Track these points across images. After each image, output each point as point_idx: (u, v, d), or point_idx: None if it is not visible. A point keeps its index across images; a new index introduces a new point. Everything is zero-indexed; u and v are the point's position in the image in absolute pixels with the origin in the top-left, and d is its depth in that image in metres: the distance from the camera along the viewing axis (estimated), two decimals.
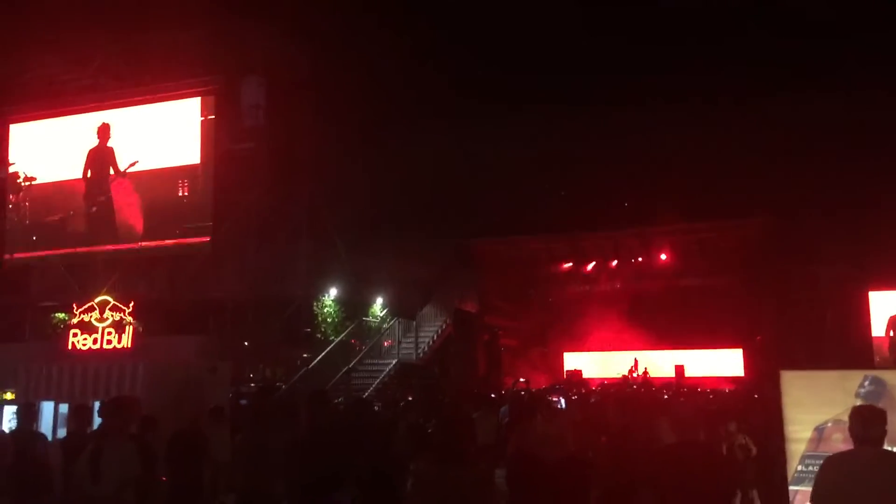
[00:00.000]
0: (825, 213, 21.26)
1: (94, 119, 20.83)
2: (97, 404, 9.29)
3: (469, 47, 27.05)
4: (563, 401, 13.82)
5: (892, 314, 13.00)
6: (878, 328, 15.84)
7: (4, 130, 21.35)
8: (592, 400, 14.44)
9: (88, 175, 21.12)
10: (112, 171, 20.71)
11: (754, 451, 9.06)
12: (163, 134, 20.23)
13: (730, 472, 5.74)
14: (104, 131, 20.84)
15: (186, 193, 19.90)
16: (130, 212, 20.69)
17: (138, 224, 20.45)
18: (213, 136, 19.54)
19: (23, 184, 21.71)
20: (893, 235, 18.72)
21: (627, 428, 7.50)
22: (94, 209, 21.14)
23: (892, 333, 12.50)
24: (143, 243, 20.28)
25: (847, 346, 16.87)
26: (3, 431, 11.18)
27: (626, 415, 8.32)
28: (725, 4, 25.06)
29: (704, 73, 25.38)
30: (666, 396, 16.96)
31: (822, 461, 6.45)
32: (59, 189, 21.54)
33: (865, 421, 5.03)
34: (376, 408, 13.10)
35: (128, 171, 20.35)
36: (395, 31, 23.57)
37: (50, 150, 21.76)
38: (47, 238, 21.61)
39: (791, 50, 24.28)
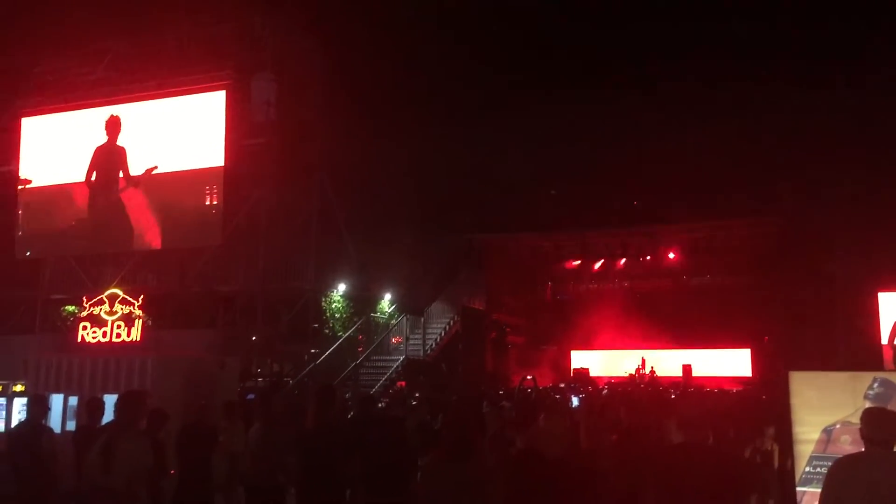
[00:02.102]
0: (835, 214, 21.17)
1: (103, 114, 20.09)
2: (106, 398, 9.35)
3: (481, 45, 27.04)
4: (575, 399, 13.80)
5: None
6: (887, 330, 15.73)
7: (16, 123, 21.39)
8: (602, 397, 14.44)
9: (93, 178, 20.10)
10: (122, 175, 19.67)
11: (777, 462, 8.87)
12: (181, 132, 19.34)
13: (739, 475, 5.72)
14: (114, 125, 19.93)
15: (216, 202, 18.94)
16: (144, 220, 19.57)
17: (153, 234, 19.58)
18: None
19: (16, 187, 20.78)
20: None
21: (637, 427, 7.49)
22: (100, 217, 19.93)
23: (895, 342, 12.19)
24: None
25: (856, 347, 16.82)
26: None
27: (635, 414, 8.31)
28: (738, 1, 24.98)
29: (717, 71, 25.31)
30: (673, 396, 16.94)
31: (830, 463, 6.45)
32: (58, 194, 20.39)
33: (877, 423, 5.02)
34: (381, 405, 13.15)
35: (143, 177, 19.39)
36: (405, 29, 23.58)
37: (54, 147, 20.69)
38: (43, 251, 20.92)
39: (806, 48, 24.19)
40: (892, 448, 5.05)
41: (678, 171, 25.61)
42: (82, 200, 20.32)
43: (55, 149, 20.65)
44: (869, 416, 5.12)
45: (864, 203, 20.80)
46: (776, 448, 8.99)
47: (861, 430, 5.04)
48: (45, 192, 20.69)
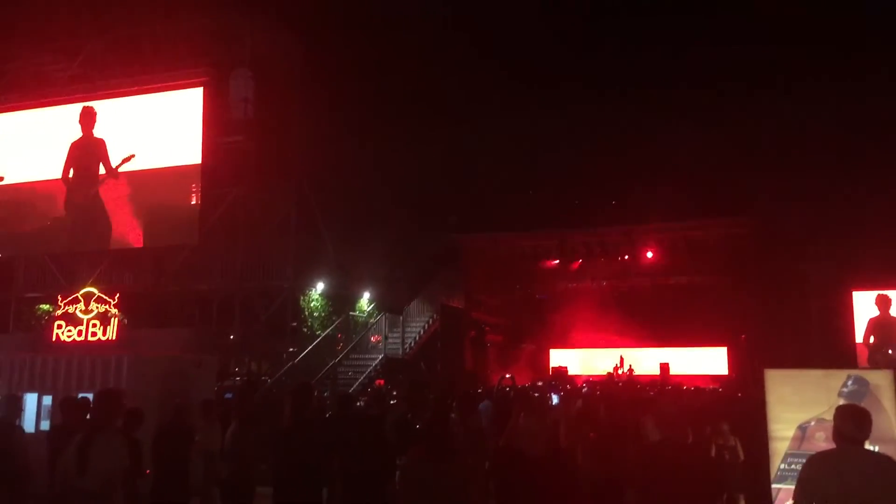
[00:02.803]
0: (811, 213, 21.40)
1: (78, 110, 19.63)
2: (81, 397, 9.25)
3: (460, 43, 27.03)
4: (555, 397, 13.84)
5: (871, 317, 12.76)
6: (861, 328, 15.87)
7: None
8: (580, 396, 14.48)
9: (70, 175, 19.63)
10: (103, 170, 19.19)
11: (742, 456, 9.00)
12: (159, 129, 19.03)
13: (714, 473, 5.77)
14: (87, 117, 19.40)
15: (194, 201, 18.72)
16: (123, 217, 19.13)
17: (135, 234, 19.16)
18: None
19: None
20: (878, 235, 18.86)
21: (615, 425, 7.54)
22: (78, 216, 19.34)
23: (871, 339, 12.28)
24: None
25: (831, 345, 16.98)
26: None
27: (614, 412, 8.35)
28: (713, 6, 25.18)
29: (693, 72, 25.50)
30: (651, 394, 17.03)
31: (804, 459, 6.52)
32: (32, 192, 19.88)
33: (853, 420, 5.06)
34: (359, 403, 13.11)
35: (121, 166, 18.90)
36: (385, 27, 23.55)
37: (28, 145, 20.18)
38: (17, 251, 20.53)
39: (779, 50, 24.42)
40: (864, 445, 5.10)
41: (655, 172, 25.81)
42: (59, 198, 19.81)
43: (29, 146, 20.24)
44: (847, 414, 5.16)
45: (838, 202, 21.04)
46: (738, 442, 9.12)
47: (839, 427, 5.08)
48: (19, 191, 20.26)
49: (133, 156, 18.79)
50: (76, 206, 19.58)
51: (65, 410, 8.34)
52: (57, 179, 19.82)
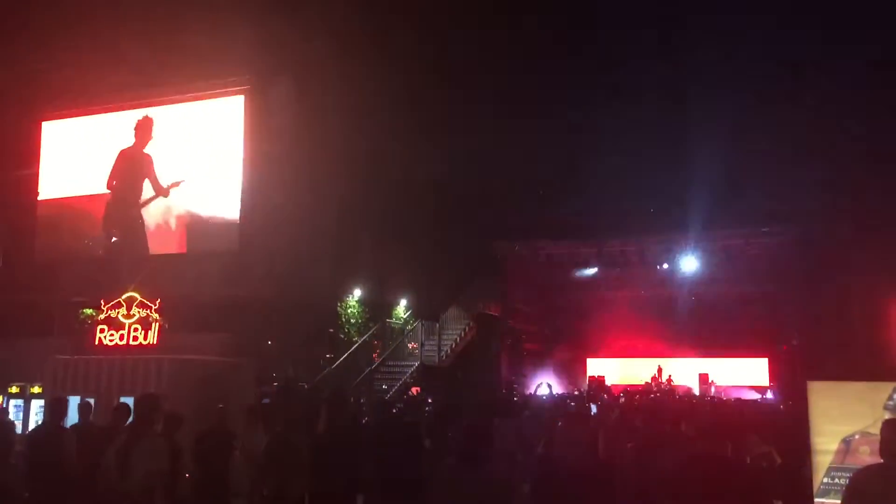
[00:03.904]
0: (854, 221, 21.03)
1: (123, 119, 19.42)
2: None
3: (497, 51, 27.01)
4: (593, 407, 13.75)
5: None
6: None
7: (37, 127, 21.49)
8: (619, 405, 14.36)
9: (114, 184, 18.94)
10: (150, 188, 18.49)
11: (779, 460, 8.89)
12: (200, 138, 18.70)
13: (751, 484, 5.67)
14: (144, 128, 19.06)
15: (239, 209, 18.26)
16: (165, 226, 18.82)
17: (177, 240, 18.76)
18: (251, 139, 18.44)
19: None
20: None
21: (653, 435, 7.46)
22: (116, 234, 18.82)
23: None
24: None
25: (876, 357, 16.67)
26: (10, 420, 11.33)
27: (652, 422, 8.27)
28: (755, 7, 24.83)
29: (733, 80, 25.20)
30: (694, 402, 16.85)
31: (848, 474, 6.38)
32: (74, 207, 19.39)
33: None
34: (395, 410, 13.13)
35: (171, 189, 18.51)
36: (424, 32, 23.60)
37: (73, 156, 19.74)
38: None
39: (821, 57, 24.02)
40: None
41: (695, 179, 25.50)
42: (98, 214, 19.25)
43: (75, 158, 20.05)
44: (891, 429, 5.04)
45: (882, 210, 20.64)
46: (772, 448, 8.97)
47: (883, 441, 4.96)
48: (62, 205, 19.95)
49: (183, 181, 18.50)
50: (116, 223, 19.09)
51: (115, 414, 8.39)
52: (97, 195, 19.30)
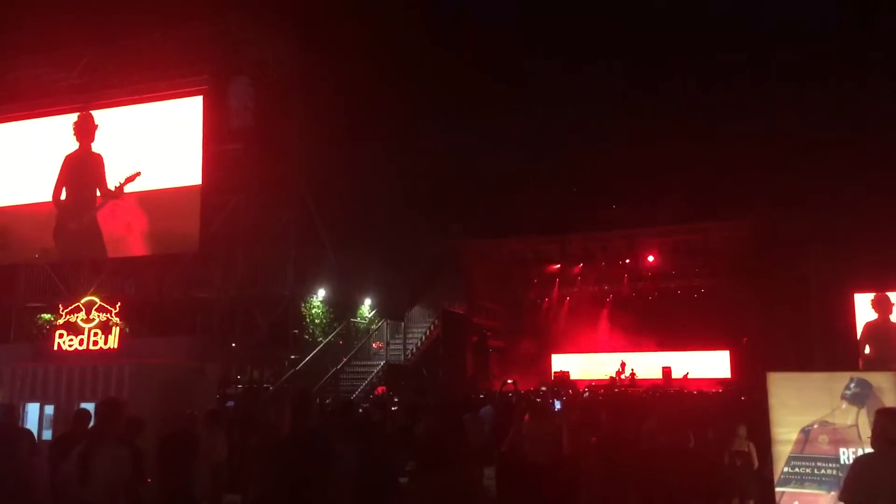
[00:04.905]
0: (811, 215, 21.39)
1: (72, 121, 18.59)
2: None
3: (459, 47, 27.06)
4: (557, 403, 13.83)
5: (867, 321, 11.84)
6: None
7: None
8: (583, 400, 14.47)
9: (63, 196, 18.22)
10: (99, 192, 18.01)
11: (756, 463, 8.89)
12: (158, 139, 18.17)
13: (716, 477, 5.75)
14: (85, 126, 18.32)
15: (199, 210, 17.92)
16: (123, 227, 17.95)
17: (135, 242, 18.14)
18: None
19: None
20: (878, 237, 18.85)
21: (617, 429, 7.52)
22: (69, 244, 18.05)
23: (866, 350, 11.38)
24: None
25: (833, 347, 16.96)
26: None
27: (616, 416, 8.33)
28: (717, 11, 25.20)
29: (693, 77, 25.51)
30: (653, 397, 17.02)
31: (807, 463, 6.50)
32: (23, 215, 18.57)
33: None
34: (360, 410, 13.10)
35: (126, 186, 17.74)
36: (386, 33, 23.56)
37: (24, 161, 18.94)
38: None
39: (779, 52, 24.42)
40: None
41: (656, 175, 25.80)
42: (50, 223, 18.41)
43: (24, 163, 19.33)
44: (891, 416, 5.05)
45: (838, 205, 21.03)
46: (753, 448, 9.03)
47: (879, 429, 4.94)
48: (13, 213, 19.20)
49: (139, 174, 17.72)
50: (69, 233, 18.34)
51: (76, 421, 8.27)
52: (48, 202, 18.49)
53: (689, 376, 27.03)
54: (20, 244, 19.14)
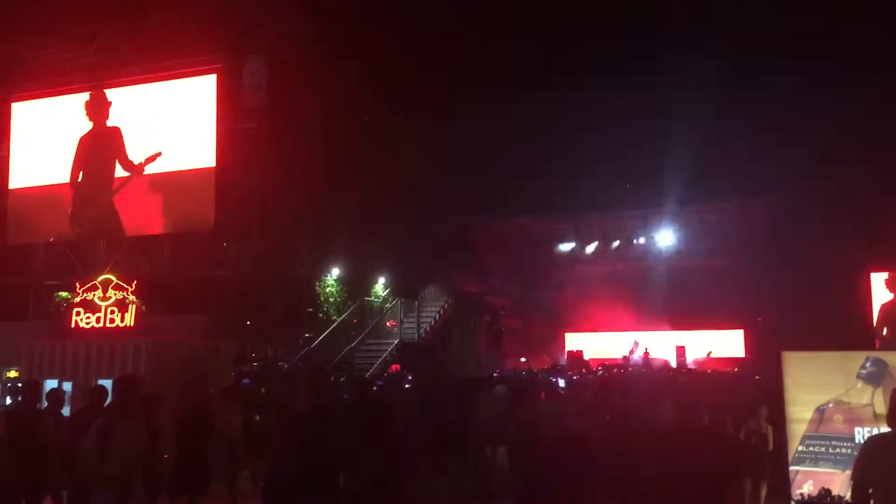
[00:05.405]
0: (827, 193, 21.23)
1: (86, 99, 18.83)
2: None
3: (473, 27, 26.89)
4: (561, 381, 13.86)
5: (883, 302, 11.69)
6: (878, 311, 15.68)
7: (6, 109, 21.13)
8: (596, 378, 14.49)
9: (80, 178, 18.33)
10: (119, 164, 18.03)
11: (771, 445, 8.78)
12: (173, 117, 18.24)
13: (732, 456, 5.72)
14: (99, 105, 18.36)
15: (213, 189, 18.09)
16: (140, 207, 18.02)
17: (152, 222, 18.29)
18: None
19: None
20: (895, 216, 18.71)
21: (630, 408, 7.52)
22: (87, 230, 18.22)
23: (884, 331, 11.27)
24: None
25: (849, 326, 16.87)
26: None
27: (629, 395, 8.33)
28: None
29: (707, 55, 25.24)
30: (671, 374, 17.03)
31: (822, 442, 6.49)
32: (44, 198, 18.64)
33: None
34: (375, 387, 13.17)
35: (146, 166, 17.93)
36: (398, 12, 23.43)
37: (43, 140, 18.96)
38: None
39: (793, 32, 24.14)
40: None
41: (671, 154, 25.62)
42: (65, 207, 18.56)
43: (45, 143, 19.52)
44: None
45: (854, 182, 20.85)
46: (770, 429, 8.97)
47: (891, 409, 4.88)
48: (32, 195, 19.38)
49: (160, 153, 17.72)
50: (87, 219, 18.48)
51: (93, 397, 8.34)
52: (64, 184, 18.55)
53: (711, 355, 26.94)
54: (36, 227, 19.33)
